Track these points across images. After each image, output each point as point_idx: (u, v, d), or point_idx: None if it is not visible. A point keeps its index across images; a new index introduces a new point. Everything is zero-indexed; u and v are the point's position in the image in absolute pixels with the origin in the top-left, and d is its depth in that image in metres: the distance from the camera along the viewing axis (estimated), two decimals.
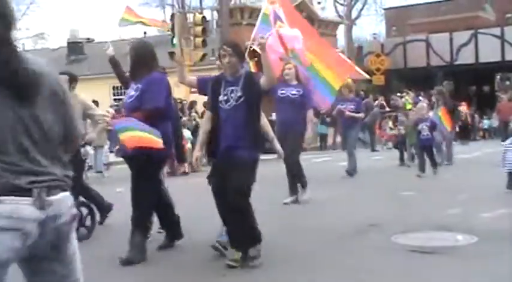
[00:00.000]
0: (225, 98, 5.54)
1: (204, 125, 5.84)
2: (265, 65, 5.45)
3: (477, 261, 5.42)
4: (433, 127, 12.83)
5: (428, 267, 5.34)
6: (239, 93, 5.49)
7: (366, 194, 10.16)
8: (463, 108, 28.12)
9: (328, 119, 24.36)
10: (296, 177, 9.38)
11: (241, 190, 5.39)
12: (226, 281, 5.24)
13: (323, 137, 24.98)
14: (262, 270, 5.41)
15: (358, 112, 13.02)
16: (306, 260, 5.73)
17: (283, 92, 9.12)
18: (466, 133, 26.81)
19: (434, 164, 12.79)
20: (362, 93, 30.22)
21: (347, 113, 12.68)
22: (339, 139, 24.18)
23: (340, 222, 7.51)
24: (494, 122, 25.22)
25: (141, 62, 5.99)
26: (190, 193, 9.81)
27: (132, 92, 6.01)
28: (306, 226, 7.43)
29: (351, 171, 12.77)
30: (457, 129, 26.81)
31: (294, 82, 9.15)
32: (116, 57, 7.12)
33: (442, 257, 5.65)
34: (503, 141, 21.01)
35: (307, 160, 15.61)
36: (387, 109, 23.90)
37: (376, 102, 25.72)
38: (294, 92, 9.16)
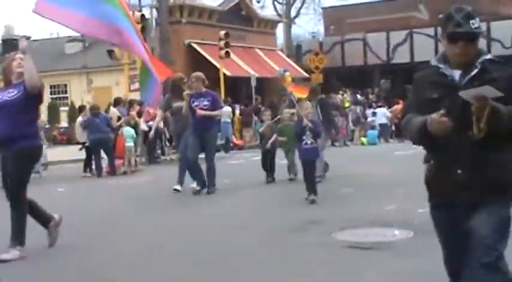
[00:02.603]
0: None
1: None
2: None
3: (413, 256, 5.55)
4: (317, 133, 9.05)
5: (366, 262, 5.47)
6: None
7: (305, 192, 10.24)
8: (399, 106, 28.70)
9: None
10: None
11: None
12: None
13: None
14: (186, 271, 5.43)
15: (215, 109, 10.22)
16: (241, 259, 5.78)
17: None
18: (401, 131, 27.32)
19: (313, 188, 8.86)
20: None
21: (199, 111, 9.88)
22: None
23: (279, 220, 7.58)
24: None
25: None
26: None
27: None
28: (242, 225, 7.44)
29: (212, 188, 10.11)
30: (393, 127, 27.49)
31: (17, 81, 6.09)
32: None
33: (379, 252, 5.79)
34: None
35: (246, 158, 15.70)
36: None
37: None
38: (11, 90, 6.07)
